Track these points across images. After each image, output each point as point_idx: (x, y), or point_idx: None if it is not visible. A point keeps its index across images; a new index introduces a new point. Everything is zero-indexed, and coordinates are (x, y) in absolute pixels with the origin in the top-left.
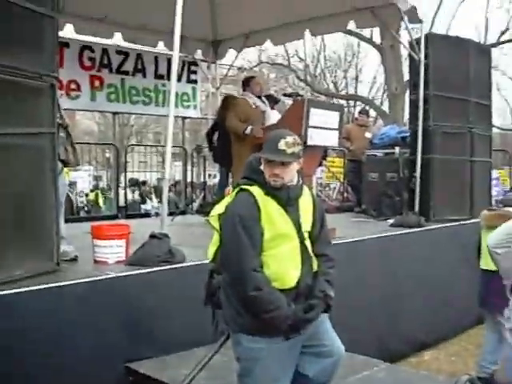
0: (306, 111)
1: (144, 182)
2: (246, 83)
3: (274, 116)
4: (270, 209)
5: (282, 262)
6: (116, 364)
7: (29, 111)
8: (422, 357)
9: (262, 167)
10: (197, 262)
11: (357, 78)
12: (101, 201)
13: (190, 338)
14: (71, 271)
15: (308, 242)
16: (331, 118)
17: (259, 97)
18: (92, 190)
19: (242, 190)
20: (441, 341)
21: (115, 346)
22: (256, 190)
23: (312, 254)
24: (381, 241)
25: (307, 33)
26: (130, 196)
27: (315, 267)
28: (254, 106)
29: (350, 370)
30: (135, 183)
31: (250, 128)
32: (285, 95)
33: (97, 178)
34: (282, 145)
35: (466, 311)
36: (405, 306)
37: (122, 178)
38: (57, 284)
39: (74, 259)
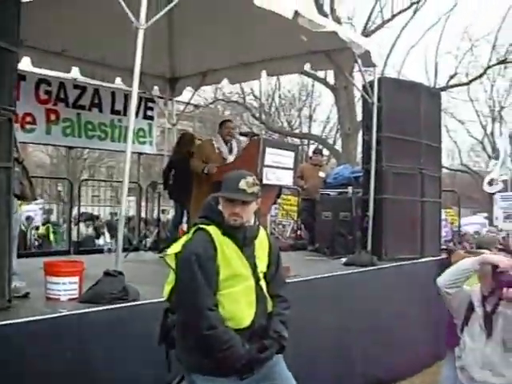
0: (262, 150)
1: (97, 217)
2: (219, 125)
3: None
4: (226, 249)
5: (237, 302)
6: None
7: None
8: None
9: (220, 207)
10: (152, 300)
11: (311, 117)
12: (51, 235)
13: (146, 378)
14: (23, 308)
15: (263, 283)
16: (286, 158)
17: (227, 142)
18: (43, 224)
19: (199, 229)
20: (399, 379)
21: None
22: (213, 230)
23: (267, 295)
24: (334, 279)
25: (264, 73)
26: (83, 231)
27: (270, 308)
28: (217, 151)
29: None
30: (89, 218)
31: (207, 168)
32: (241, 134)
33: (48, 212)
34: (242, 184)
35: (421, 349)
36: (359, 345)
37: (74, 213)
38: (8, 321)
39: (26, 296)
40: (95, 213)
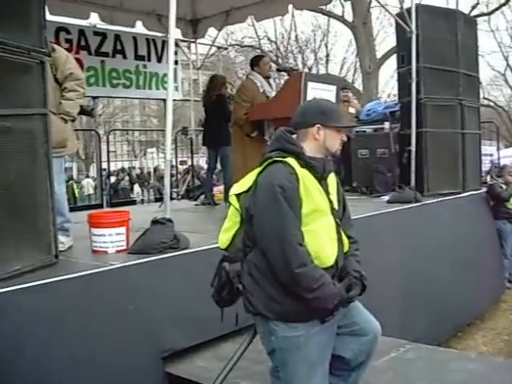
0: (304, 85)
1: (130, 169)
2: (255, 63)
3: None
4: (307, 181)
5: (320, 239)
6: (133, 358)
7: (17, 91)
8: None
9: (295, 137)
10: (203, 248)
11: (327, 58)
12: (76, 191)
13: (202, 326)
14: (71, 264)
15: (339, 221)
16: (328, 93)
17: (268, 78)
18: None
19: (275, 161)
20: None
21: (127, 340)
22: (292, 162)
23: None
24: (380, 217)
25: (290, 7)
26: (115, 184)
27: (346, 248)
28: (261, 90)
29: (376, 351)
30: (121, 171)
31: (255, 133)
32: (279, 70)
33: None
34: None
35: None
36: (417, 285)
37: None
38: (60, 278)
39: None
40: (113, 168)
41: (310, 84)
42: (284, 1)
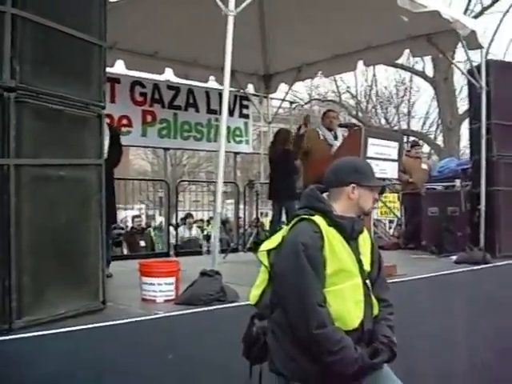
0: (364, 141)
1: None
2: (322, 116)
3: None
4: (333, 240)
5: (345, 301)
6: None
7: (74, 142)
8: None
9: (325, 196)
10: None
11: (409, 113)
12: (154, 238)
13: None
14: (118, 310)
15: (369, 282)
16: (390, 149)
17: (331, 130)
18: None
19: (302, 219)
20: None
21: None
22: (319, 220)
23: (373, 296)
24: (444, 278)
25: (360, 63)
26: (185, 233)
27: (375, 311)
28: (321, 138)
29: None
30: (186, 217)
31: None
32: (340, 126)
33: (151, 217)
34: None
35: None
36: (481, 349)
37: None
38: (103, 324)
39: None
40: (199, 217)
41: (370, 140)
42: (354, 57)
